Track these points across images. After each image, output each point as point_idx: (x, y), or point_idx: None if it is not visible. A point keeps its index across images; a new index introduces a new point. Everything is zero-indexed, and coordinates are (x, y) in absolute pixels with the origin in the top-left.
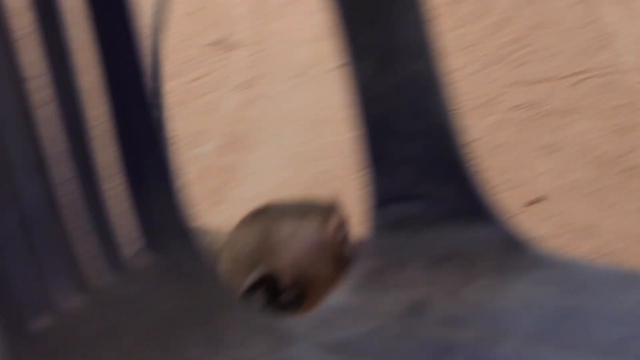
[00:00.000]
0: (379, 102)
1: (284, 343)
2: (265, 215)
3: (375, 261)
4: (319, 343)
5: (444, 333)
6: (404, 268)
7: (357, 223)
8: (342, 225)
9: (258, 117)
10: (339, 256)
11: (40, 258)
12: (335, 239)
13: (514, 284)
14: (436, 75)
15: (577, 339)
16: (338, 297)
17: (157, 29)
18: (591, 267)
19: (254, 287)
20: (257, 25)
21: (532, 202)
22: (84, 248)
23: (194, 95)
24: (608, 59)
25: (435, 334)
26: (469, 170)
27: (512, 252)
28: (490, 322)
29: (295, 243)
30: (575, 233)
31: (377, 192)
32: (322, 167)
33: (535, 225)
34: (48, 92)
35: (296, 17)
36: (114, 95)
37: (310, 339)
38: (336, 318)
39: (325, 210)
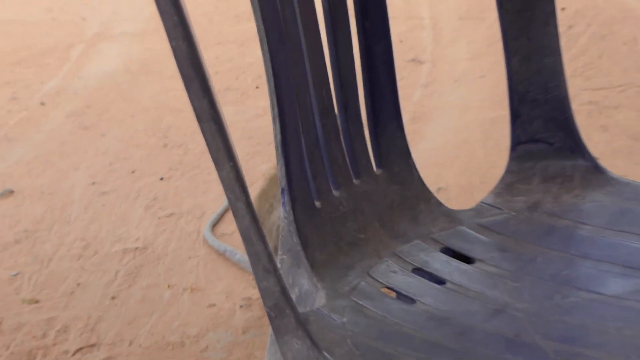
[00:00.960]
0: (521, 83)
1: (456, 223)
2: None
3: (510, 178)
4: (476, 224)
5: (552, 220)
6: (529, 182)
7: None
8: None
9: (431, 104)
10: None
11: (319, 165)
12: None
13: (593, 194)
14: (559, 68)
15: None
16: (487, 199)
17: None
18: None
19: None
20: (435, 51)
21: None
22: (341, 161)
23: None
24: None
25: (546, 220)
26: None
27: (595, 174)
28: (578, 214)
29: None
30: None
31: (514, 137)
32: (466, 135)
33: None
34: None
35: (459, 46)
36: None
37: (471, 221)
38: (486, 210)
39: None
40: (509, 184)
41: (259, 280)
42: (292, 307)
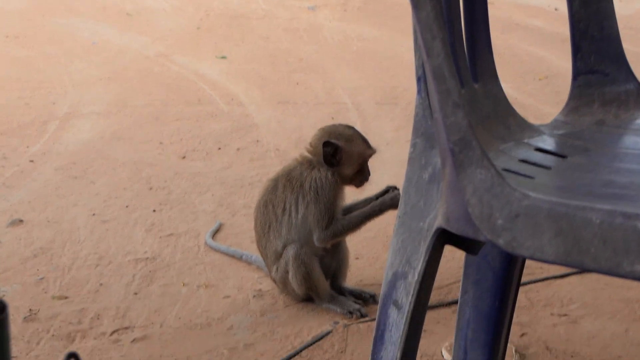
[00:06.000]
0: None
1: (539, 133)
2: None
3: (574, 103)
4: (557, 134)
5: (619, 131)
6: (590, 106)
7: None
8: None
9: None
10: None
11: (462, 58)
12: None
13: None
14: (611, 11)
15: None
16: (558, 117)
17: None
18: None
19: None
20: (363, 125)
21: None
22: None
23: None
24: None
25: (614, 131)
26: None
27: None
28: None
29: None
30: None
31: (576, 69)
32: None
33: None
34: None
35: (382, 122)
36: None
37: (552, 132)
38: (560, 125)
39: None
40: (573, 108)
41: (446, 117)
42: (478, 140)
